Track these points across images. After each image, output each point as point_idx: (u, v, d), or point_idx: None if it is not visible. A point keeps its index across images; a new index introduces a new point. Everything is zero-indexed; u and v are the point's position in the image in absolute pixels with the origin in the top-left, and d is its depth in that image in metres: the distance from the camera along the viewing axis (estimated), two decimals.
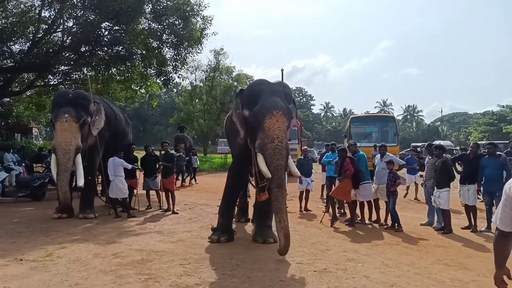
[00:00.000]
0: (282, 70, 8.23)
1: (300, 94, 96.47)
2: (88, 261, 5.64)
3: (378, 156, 9.29)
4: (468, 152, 8.86)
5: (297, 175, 6.91)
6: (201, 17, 14.91)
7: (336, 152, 9.89)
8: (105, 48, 14.92)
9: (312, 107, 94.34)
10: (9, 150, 15.81)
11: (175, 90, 60.50)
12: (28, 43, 14.65)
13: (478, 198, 9.03)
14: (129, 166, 9.68)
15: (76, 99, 9.11)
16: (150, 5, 14.09)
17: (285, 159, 6.12)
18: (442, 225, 8.20)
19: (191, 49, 15.14)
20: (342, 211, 9.93)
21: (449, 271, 5.53)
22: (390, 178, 8.41)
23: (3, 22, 13.49)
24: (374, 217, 9.04)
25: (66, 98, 9.14)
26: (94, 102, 9.55)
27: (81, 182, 8.76)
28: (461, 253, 6.57)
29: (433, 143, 11.22)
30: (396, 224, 8.19)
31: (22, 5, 14.05)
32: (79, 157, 8.84)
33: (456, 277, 5.26)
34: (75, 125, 8.74)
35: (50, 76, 16.78)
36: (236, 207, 8.37)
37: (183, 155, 17.06)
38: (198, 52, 15.86)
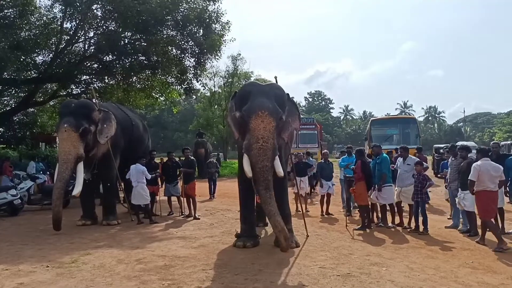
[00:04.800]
0: (275, 77, 8.33)
1: (319, 98, 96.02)
2: (112, 267, 5.71)
3: (400, 159, 9.12)
4: (490, 153, 8.58)
5: (280, 174, 6.46)
6: (220, 24, 14.98)
7: (353, 154, 9.90)
8: (127, 58, 15.14)
9: (331, 110, 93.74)
10: (35, 159, 16.16)
11: (194, 97, 60.92)
12: (51, 54, 14.98)
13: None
14: (149, 176, 9.70)
15: (78, 108, 8.98)
16: (170, 15, 14.22)
17: (270, 160, 6.08)
18: (468, 227, 8.01)
19: (210, 55, 15.21)
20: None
21: (477, 275, 5.40)
22: (420, 180, 8.03)
23: (26, 34, 13.80)
24: (397, 221, 8.89)
25: (69, 108, 9.04)
26: (100, 110, 9.45)
27: (77, 190, 8.63)
28: (488, 256, 6.40)
29: (456, 144, 10.98)
30: (423, 228, 8.00)
31: (44, 17, 14.38)
32: (80, 166, 8.67)
33: (484, 281, 5.14)
34: (74, 134, 8.55)
35: (72, 86, 17.09)
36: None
37: (215, 161, 16.96)
38: (217, 59, 15.98)
